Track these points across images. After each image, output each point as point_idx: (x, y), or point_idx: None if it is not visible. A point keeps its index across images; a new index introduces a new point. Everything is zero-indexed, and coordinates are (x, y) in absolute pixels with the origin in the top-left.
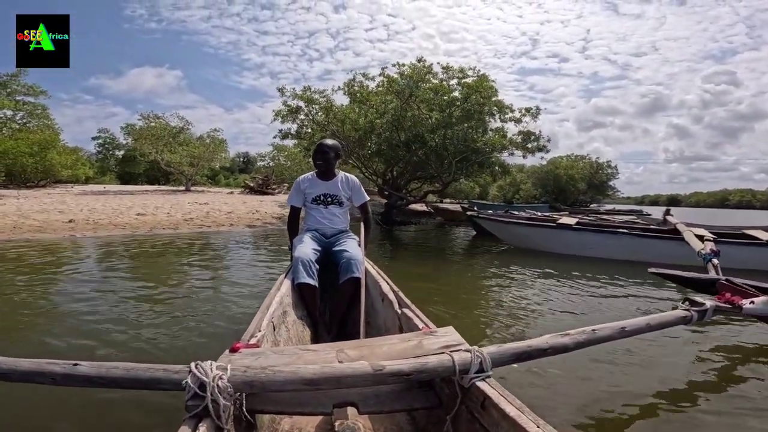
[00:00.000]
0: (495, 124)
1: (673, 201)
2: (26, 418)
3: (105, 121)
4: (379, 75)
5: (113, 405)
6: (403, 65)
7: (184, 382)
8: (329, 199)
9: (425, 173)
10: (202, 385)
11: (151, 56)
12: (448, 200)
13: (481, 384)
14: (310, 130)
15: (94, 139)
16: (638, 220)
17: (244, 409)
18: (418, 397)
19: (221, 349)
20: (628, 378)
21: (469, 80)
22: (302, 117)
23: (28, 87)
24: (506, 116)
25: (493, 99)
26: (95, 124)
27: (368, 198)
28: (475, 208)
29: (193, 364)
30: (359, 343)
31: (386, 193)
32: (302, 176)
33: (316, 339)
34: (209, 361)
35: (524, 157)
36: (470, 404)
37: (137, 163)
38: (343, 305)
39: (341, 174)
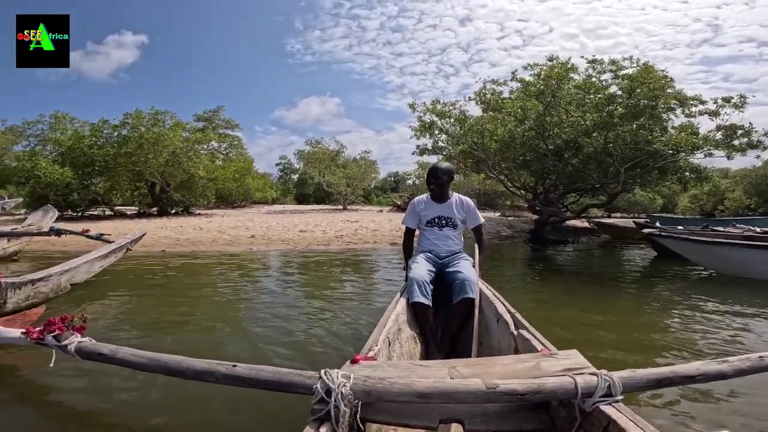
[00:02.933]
0: (677, 120)
1: None
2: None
3: (286, 149)
4: (511, 79)
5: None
6: (537, 65)
7: (314, 387)
8: (444, 222)
9: (585, 184)
10: (328, 391)
11: (314, 87)
12: (618, 215)
13: (606, 408)
14: (450, 147)
15: (276, 165)
16: None
17: (358, 418)
18: (529, 418)
19: (344, 360)
20: None
21: (629, 71)
22: (437, 132)
23: (226, 121)
24: (693, 110)
25: (669, 91)
26: (280, 151)
27: (483, 221)
28: (657, 224)
29: (323, 371)
30: (472, 362)
31: (537, 208)
32: (417, 198)
33: (426, 356)
34: (336, 370)
35: (728, 157)
36: (590, 429)
37: (307, 184)
38: (455, 325)
39: (455, 196)
